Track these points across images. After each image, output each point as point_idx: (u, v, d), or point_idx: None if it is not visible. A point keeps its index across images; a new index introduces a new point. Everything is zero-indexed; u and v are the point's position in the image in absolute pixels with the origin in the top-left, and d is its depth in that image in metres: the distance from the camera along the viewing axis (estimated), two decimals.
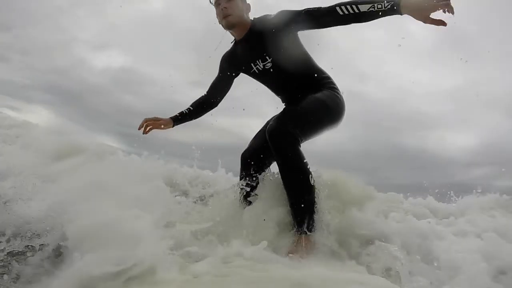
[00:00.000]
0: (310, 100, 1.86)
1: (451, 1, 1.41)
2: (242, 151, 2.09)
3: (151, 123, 2.10)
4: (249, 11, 2.02)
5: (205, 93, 2.23)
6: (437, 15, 1.44)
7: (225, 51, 2.17)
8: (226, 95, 2.22)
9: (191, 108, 2.20)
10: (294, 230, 1.66)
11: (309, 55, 2.03)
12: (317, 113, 1.84)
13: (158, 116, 2.13)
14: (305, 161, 1.68)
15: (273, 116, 1.95)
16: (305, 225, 1.64)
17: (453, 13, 1.41)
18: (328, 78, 2.03)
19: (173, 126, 2.17)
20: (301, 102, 1.85)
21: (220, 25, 2.00)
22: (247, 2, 2.04)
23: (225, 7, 1.91)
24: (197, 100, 2.23)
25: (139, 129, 2.08)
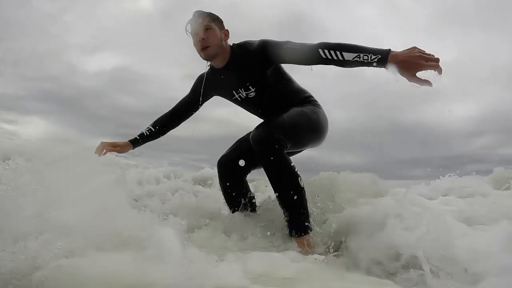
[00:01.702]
0: (293, 111, 1.89)
1: (439, 62, 1.38)
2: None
3: (108, 148, 1.96)
4: (228, 37, 1.94)
5: (170, 110, 2.17)
6: (423, 74, 1.41)
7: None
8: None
9: (152, 129, 2.12)
10: (287, 233, 1.68)
11: (291, 79, 2.05)
12: (300, 123, 1.85)
13: (117, 142, 2.03)
14: (292, 164, 1.69)
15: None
16: (300, 226, 1.65)
17: (440, 73, 1.38)
18: (310, 96, 2.08)
19: (133, 148, 2.09)
20: (285, 112, 1.85)
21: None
22: (225, 28, 1.94)
23: (202, 38, 1.83)
24: (159, 119, 2.16)
25: (95, 153, 1.91)
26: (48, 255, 0.91)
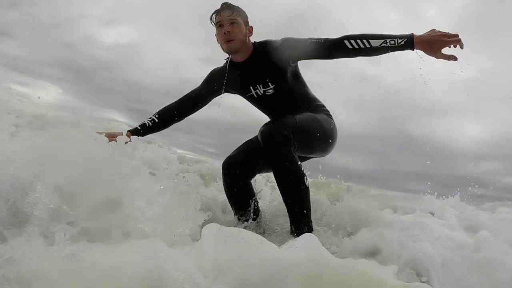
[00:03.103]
0: (307, 115, 1.87)
1: (460, 37, 1.49)
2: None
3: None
4: (251, 34, 1.92)
5: (176, 102, 2.05)
6: (447, 50, 1.53)
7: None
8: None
9: (156, 120, 1.95)
10: (291, 232, 1.67)
11: (307, 85, 2.03)
12: (312, 128, 1.83)
13: (114, 132, 1.83)
14: (299, 163, 1.67)
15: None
16: (303, 226, 1.65)
17: (462, 47, 1.51)
18: (323, 106, 2.05)
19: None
20: (297, 114, 1.82)
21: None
22: (250, 24, 1.92)
23: (228, 31, 1.80)
24: (164, 109, 2.01)
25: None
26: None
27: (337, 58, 1.73)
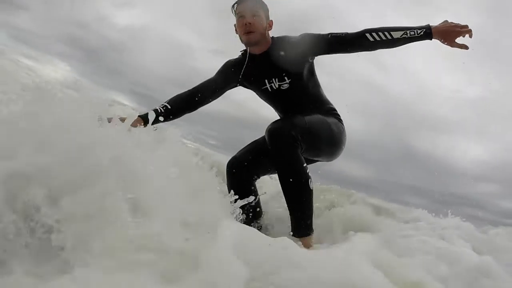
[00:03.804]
0: (317, 117, 1.85)
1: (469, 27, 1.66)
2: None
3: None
4: (271, 28, 1.91)
5: (191, 90, 1.90)
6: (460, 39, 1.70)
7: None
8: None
9: (169, 107, 1.76)
10: (291, 233, 1.67)
11: (321, 87, 2.02)
12: (320, 131, 1.81)
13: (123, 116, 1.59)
14: (304, 165, 1.65)
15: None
16: (304, 228, 1.65)
17: (471, 36, 1.67)
18: (334, 109, 2.03)
19: (144, 125, 1.59)
20: (307, 115, 1.81)
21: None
22: (270, 18, 1.91)
23: (249, 23, 1.79)
24: (177, 97, 1.84)
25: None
26: None
27: (358, 51, 1.78)
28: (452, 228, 2.39)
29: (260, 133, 1.99)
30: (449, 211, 2.86)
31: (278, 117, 2.01)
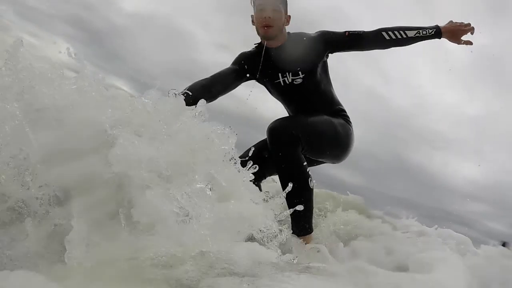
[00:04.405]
0: (322, 118, 1.86)
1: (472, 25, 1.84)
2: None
3: None
4: (289, 23, 1.92)
5: (207, 79, 1.87)
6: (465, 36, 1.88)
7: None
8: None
9: (190, 93, 1.70)
10: (292, 231, 1.66)
11: (333, 86, 2.04)
12: (324, 131, 1.81)
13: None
14: (304, 164, 1.66)
15: None
16: (304, 227, 1.67)
17: (473, 33, 1.83)
18: (344, 111, 2.04)
19: None
20: (313, 115, 1.82)
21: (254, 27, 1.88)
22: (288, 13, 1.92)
23: (269, 17, 1.79)
24: (196, 85, 1.79)
25: None
26: None
27: (373, 49, 1.89)
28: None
29: (261, 132, 1.95)
30: (436, 226, 2.91)
31: (278, 116, 1.98)
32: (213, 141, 1.06)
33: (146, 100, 1.07)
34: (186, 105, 1.68)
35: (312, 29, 1.95)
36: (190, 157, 0.99)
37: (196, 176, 0.95)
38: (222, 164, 1.08)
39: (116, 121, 0.95)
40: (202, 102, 1.25)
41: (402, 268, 1.45)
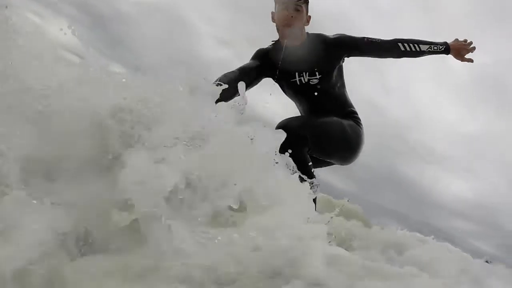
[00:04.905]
0: (332, 119, 1.88)
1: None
2: None
3: None
4: (309, 23, 1.94)
5: (236, 71, 1.84)
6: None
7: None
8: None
9: (221, 85, 1.62)
10: None
11: (346, 88, 2.07)
12: (333, 133, 1.84)
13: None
14: (310, 163, 1.67)
15: None
16: None
17: (472, 51, 2.00)
18: (356, 112, 2.06)
19: None
20: (323, 116, 1.85)
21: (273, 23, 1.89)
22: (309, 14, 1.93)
23: (292, 16, 1.81)
24: (227, 77, 1.70)
25: None
26: None
27: (387, 57, 1.97)
28: None
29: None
30: (432, 236, 2.93)
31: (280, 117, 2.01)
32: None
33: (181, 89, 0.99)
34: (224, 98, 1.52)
35: (311, 29, 1.97)
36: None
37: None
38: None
39: (114, 107, 0.87)
40: (241, 85, 1.20)
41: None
